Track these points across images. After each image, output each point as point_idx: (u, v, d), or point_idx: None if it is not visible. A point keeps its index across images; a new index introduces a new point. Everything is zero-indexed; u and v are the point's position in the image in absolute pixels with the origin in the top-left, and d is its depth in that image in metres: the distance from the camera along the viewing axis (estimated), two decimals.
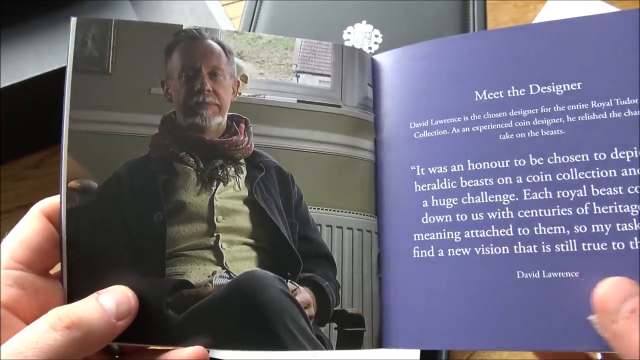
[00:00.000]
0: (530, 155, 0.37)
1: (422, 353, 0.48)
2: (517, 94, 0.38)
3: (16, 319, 0.31)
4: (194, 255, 0.35)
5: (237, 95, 0.38)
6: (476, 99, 0.39)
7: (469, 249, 0.36)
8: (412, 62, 0.41)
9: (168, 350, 0.33)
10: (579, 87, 0.37)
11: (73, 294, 0.34)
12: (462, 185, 0.37)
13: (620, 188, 0.35)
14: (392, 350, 0.47)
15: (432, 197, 0.38)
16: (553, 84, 0.38)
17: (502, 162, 0.37)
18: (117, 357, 0.36)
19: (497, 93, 0.38)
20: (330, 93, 0.40)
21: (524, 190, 0.36)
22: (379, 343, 0.37)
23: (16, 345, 0.28)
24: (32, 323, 0.30)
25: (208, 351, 0.33)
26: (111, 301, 0.32)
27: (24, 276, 0.32)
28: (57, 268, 0.35)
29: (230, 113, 0.38)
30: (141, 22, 0.38)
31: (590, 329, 0.32)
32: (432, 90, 0.40)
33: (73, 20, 0.36)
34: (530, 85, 0.38)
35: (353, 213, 0.38)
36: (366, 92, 0.41)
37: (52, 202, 0.35)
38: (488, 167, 0.37)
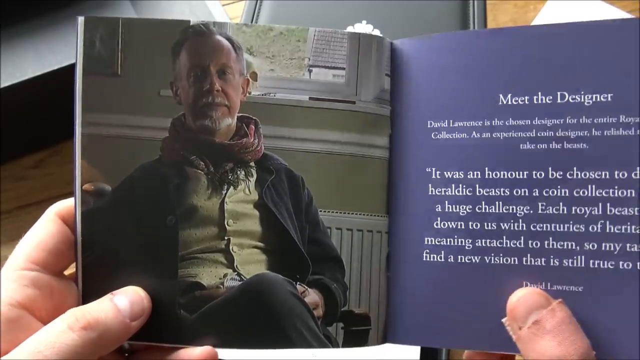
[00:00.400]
0: (550, 168, 0.36)
1: (422, 353, 0.50)
2: (544, 101, 0.36)
3: (33, 319, 0.33)
4: (206, 258, 0.36)
5: (247, 94, 0.37)
6: (500, 103, 0.37)
7: (479, 257, 0.37)
8: (437, 53, 0.38)
9: (178, 349, 0.36)
10: (609, 99, 0.35)
11: (88, 295, 0.35)
12: (477, 193, 0.37)
13: (636, 209, 0.34)
14: (392, 351, 0.49)
15: (446, 202, 0.37)
16: (582, 92, 0.35)
17: (521, 172, 0.36)
18: (127, 355, 0.38)
19: (523, 98, 0.36)
20: (344, 88, 0.38)
21: (540, 204, 0.36)
22: (384, 339, 0.38)
23: (36, 345, 0.30)
24: (50, 323, 0.31)
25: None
26: (125, 302, 0.33)
27: (39, 277, 0.34)
28: (71, 269, 0.36)
29: (240, 114, 0.37)
30: (149, 19, 0.35)
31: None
32: (454, 88, 0.38)
33: (80, 19, 0.34)
34: (559, 93, 0.36)
35: (364, 215, 0.38)
36: (383, 84, 0.39)
37: (67, 205, 0.36)
38: (506, 176, 0.36)
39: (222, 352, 0.36)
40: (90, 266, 0.35)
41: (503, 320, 0.35)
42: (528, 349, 0.32)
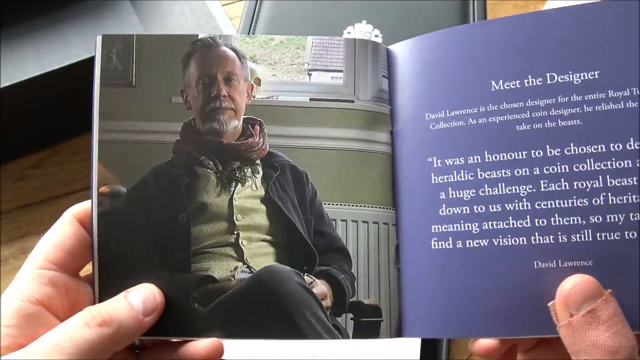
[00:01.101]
0: (548, 146, 0.36)
1: (422, 351, 0.48)
2: (534, 84, 0.37)
3: (50, 315, 0.34)
4: (217, 252, 0.37)
5: (252, 98, 0.39)
6: (492, 89, 0.38)
7: (487, 240, 0.36)
8: (426, 51, 0.40)
9: (186, 342, 0.36)
10: (596, 76, 0.36)
11: (104, 293, 0.36)
12: (479, 177, 0.37)
13: (635, 179, 0.34)
14: (392, 350, 0.48)
15: (450, 188, 0.38)
16: (570, 72, 0.36)
17: (520, 153, 0.37)
18: (137, 351, 0.38)
19: (514, 83, 0.38)
20: (342, 89, 0.40)
21: (541, 182, 0.36)
22: (398, 332, 0.38)
23: (54, 339, 0.31)
24: (67, 320, 0.32)
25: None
26: (139, 299, 0.34)
27: (57, 276, 0.35)
28: (86, 270, 0.38)
29: (246, 116, 0.39)
30: (160, 35, 0.39)
31: None
32: (447, 80, 0.39)
33: (99, 38, 0.38)
34: (547, 74, 0.37)
35: (368, 207, 0.39)
36: (381, 84, 0.41)
37: (84, 207, 0.37)
38: (505, 158, 0.37)
39: (228, 349, 0.36)
40: (106, 265, 0.37)
41: (550, 304, 0.34)
42: (579, 337, 0.31)
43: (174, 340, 0.37)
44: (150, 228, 0.37)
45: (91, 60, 0.38)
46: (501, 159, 0.37)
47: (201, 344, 0.35)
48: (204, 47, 0.39)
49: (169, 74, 0.39)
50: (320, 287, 0.37)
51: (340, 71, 0.40)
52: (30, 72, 0.55)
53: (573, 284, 0.33)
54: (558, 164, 0.36)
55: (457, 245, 0.37)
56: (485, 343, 0.37)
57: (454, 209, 0.38)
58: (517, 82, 0.38)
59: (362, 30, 0.64)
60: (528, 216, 0.36)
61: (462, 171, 0.38)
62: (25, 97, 0.56)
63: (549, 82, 0.37)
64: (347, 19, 0.64)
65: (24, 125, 0.62)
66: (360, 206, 0.39)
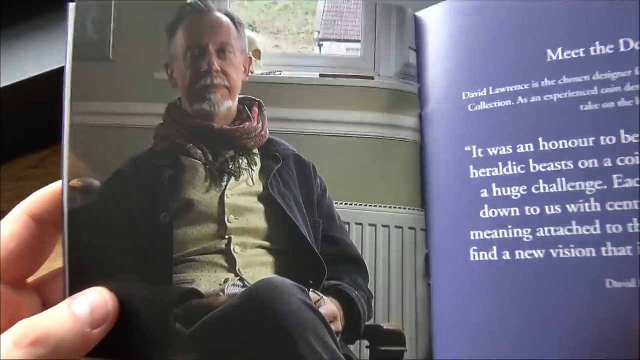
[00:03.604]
0: (622, 132, 0.30)
1: None
2: (604, 52, 0.31)
3: None
4: (204, 260, 0.33)
5: (249, 74, 0.35)
6: (549, 60, 0.32)
7: (544, 251, 0.31)
8: (463, 16, 0.35)
9: None
10: None
11: None
12: (532, 170, 0.32)
13: None
14: None
15: (494, 185, 0.32)
16: None
17: (585, 140, 0.31)
18: None
19: (577, 51, 0.32)
20: (360, 62, 0.35)
21: (614, 177, 0.30)
22: None
23: None
24: None
25: None
26: (85, 308, 0.30)
27: None
28: (35, 276, 0.34)
29: (242, 96, 0.35)
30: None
31: None
32: (490, 50, 0.34)
33: (72, 6, 0.33)
34: (621, 41, 0.31)
35: (390, 207, 0.34)
36: (407, 58, 0.36)
37: (38, 199, 0.33)
38: (566, 146, 0.31)
39: None
40: (77, 271, 0.32)
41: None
42: None
43: None
44: (127, 229, 0.33)
45: None
46: (560, 147, 0.31)
47: None
48: (194, 13, 0.35)
49: (152, 45, 0.34)
50: (329, 306, 0.32)
51: (358, 41, 0.35)
52: (30, 72, 0.56)
53: None
54: (636, 154, 0.29)
55: (504, 257, 0.31)
56: None
57: (500, 210, 0.32)
58: (582, 50, 0.31)
59: None
60: (597, 221, 0.30)
61: (509, 163, 0.32)
62: (25, 97, 0.56)
63: (622, 49, 0.31)
64: None
65: (24, 125, 0.63)
66: (381, 206, 0.34)
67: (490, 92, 0.33)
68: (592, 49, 0.31)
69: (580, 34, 0.31)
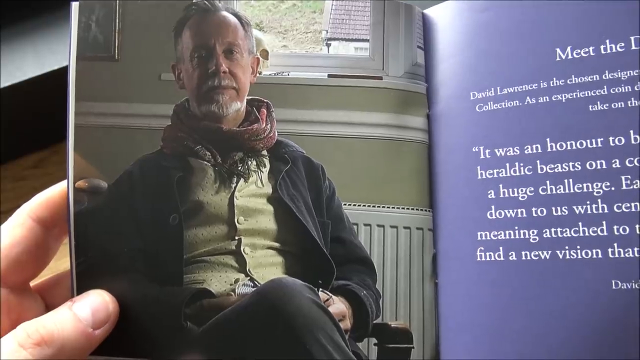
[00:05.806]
0: (632, 132, 0.30)
1: None
2: (614, 50, 0.30)
3: None
4: (214, 261, 0.33)
5: (257, 74, 0.34)
6: (558, 59, 0.32)
7: (550, 251, 0.30)
8: (473, 14, 0.34)
9: None
10: None
11: None
12: (539, 171, 0.31)
13: None
14: None
15: (501, 186, 0.32)
16: None
17: (593, 140, 0.30)
18: None
19: (587, 50, 0.31)
20: (369, 62, 0.34)
21: (622, 178, 0.30)
22: None
23: None
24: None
25: None
26: (87, 309, 0.30)
27: None
28: (38, 279, 0.33)
29: (250, 97, 0.34)
30: None
31: None
32: (499, 49, 0.33)
33: (75, 4, 0.33)
34: (632, 38, 0.30)
35: (398, 208, 0.34)
36: (415, 57, 0.35)
37: (41, 201, 0.32)
38: (574, 147, 0.31)
39: None
40: (85, 273, 0.32)
41: None
42: None
43: None
44: (135, 231, 0.33)
45: None
46: (568, 148, 0.31)
47: None
48: (201, 13, 0.34)
49: (158, 45, 0.34)
50: (338, 305, 0.32)
51: (366, 40, 0.35)
52: (30, 72, 0.56)
53: None
54: None
55: (510, 258, 0.31)
56: None
57: (507, 211, 0.31)
58: (591, 48, 0.31)
59: None
60: (604, 222, 0.29)
61: (516, 164, 0.32)
62: (25, 97, 0.56)
63: (633, 47, 0.30)
64: None
65: (24, 125, 0.62)
66: (389, 207, 0.34)
67: (498, 92, 0.32)
68: (602, 47, 0.30)
69: (590, 32, 0.31)
